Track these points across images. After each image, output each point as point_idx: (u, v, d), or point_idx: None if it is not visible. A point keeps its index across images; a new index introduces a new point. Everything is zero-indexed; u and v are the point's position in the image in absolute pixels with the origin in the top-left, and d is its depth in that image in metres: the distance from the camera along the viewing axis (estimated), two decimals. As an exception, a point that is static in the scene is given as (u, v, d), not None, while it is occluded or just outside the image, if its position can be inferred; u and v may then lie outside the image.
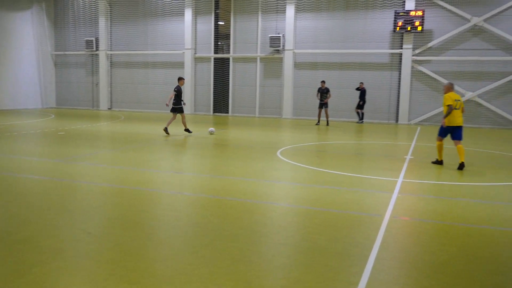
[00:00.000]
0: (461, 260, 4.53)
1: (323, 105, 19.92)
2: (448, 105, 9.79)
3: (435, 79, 21.37)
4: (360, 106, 21.61)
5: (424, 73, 21.59)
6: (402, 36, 21.67)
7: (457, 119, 9.93)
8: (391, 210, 6.23)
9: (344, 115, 22.59)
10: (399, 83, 21.94)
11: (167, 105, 14.85)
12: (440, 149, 10.19)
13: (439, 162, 10.21)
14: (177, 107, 14.94)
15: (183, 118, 15.12)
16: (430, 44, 21.35)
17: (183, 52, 25.59)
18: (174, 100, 14.84)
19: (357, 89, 21.48)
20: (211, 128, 15.64)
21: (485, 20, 20.41)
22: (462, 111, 10.07)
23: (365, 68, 22.60)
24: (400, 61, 21.86)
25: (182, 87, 15.08)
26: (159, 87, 26.69)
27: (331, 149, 13.06)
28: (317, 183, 8.07)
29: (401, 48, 21.73)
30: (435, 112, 21.51)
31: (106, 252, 4.53)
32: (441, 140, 10.14)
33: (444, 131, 10.04)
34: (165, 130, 14.76)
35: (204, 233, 5.15)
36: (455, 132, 9.95)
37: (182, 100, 15.11)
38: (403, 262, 4.49)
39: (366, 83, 22.39)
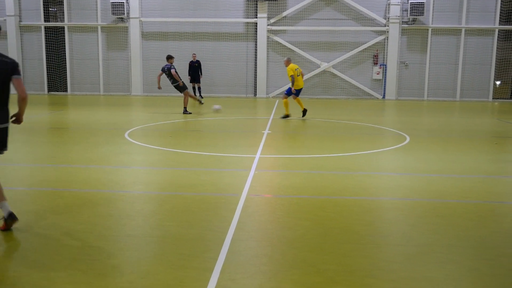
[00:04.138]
0: (315, 233, 4.91)
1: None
2: (291, 75, 13.85)
3: (291, 49, 22.59)
4: (197, 80, 21.66)
5: (281, 43, 22.67)
6: (257, 4, 22.40)
7: (300, 83, 14.14)
8: (248, 188, 6.48)
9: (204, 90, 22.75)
10: (256, 55, 22.74)
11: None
12: (287, 105, 14.20)
13: (287, 116, 14.18)
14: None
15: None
16: (284, 13, 22.43)
17: (5, 20, 23.19)
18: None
19: (192, 62, 21.48)
20: (216, 106, 14.91)
21: (336, -11, 22.07)
22: (302, 76, 14.43)
23: (219, 39, 22.94)
24: (256, 31, 22.62)
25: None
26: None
27: (187, 127, 13.08)
28: (170, 165, 8.03)
29: (256, 17, 22.47)
30: (293, 84, 22.81)
31: None
32: (286, 98, 14.30)
33: (291, 93, 14.12)
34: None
35: (35, 233, 4.80)
36: (297, 93, 14.20)
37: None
38: (259, 241, 4.71)
39: (222, 55, 22.81)
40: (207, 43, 22.96)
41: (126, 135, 10.86)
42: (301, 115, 14.30)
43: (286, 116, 14.21)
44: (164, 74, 15.30)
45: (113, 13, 22.52)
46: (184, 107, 15.30)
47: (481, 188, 6.86)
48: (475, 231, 5.02)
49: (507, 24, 22.34)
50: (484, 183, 7.17)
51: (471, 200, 6.16)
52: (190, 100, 15.79)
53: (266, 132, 11.71)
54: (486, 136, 12.07)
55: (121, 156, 8.81)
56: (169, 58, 15.37)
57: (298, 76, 13.98)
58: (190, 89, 22.32)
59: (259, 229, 5.07)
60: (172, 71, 15.07)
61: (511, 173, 8.06)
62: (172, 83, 15.49)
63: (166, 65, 15.23)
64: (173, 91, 22.61)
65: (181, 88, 15.39)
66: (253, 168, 7.73)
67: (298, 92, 14.13)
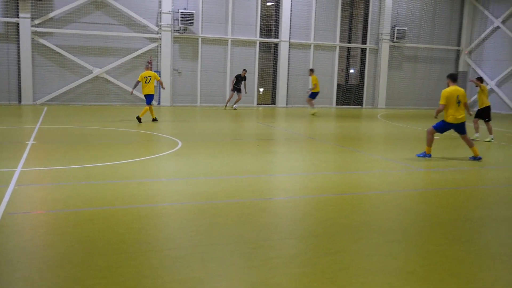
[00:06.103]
0: (80, 248, 4.67)
1: None
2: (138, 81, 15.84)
3: (60, 54, 21.25)
4: None
5: (48, 47, 21.13)
6: (18, 3, 20.46)
7: (146, 90, 15.47)
8: (5, 206, 5.86)
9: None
10: (19, 58, 20.75)
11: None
12: (146, 111, 15.22)
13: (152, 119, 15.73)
14: None
15: None
16: (51, 15, 20.98)
17: None
18: None
19: None
20: None
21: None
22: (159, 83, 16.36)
23: (-27, 39, 20.30)
24: (18, 32, 20.64)
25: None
26: None
27: None
28: None
29: (18, 17, 20.51)
30: (64, 90, 21.53)
31: None
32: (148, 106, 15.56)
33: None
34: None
35: None
36: (147, 99, 15.70)
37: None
38: (15, 265, 4.26)
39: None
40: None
41: None
42: (152, 120, 15.79)
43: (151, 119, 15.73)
44: None
45: None
46: None
47: (244, 187, 7.44)
48: (236, 228, 5.41)
49: (266, 37, 24.81)
50: (247, 182, 7.78)
51: (234, 200, 6.63)
52: None
53: (30, 142, 10.76)
54: (251, 139, 13.18)
55: None
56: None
57: (146, 83, 15.31)
58: None
59: (16, 251, 4.60)
60: None
61: (271, 172, 8.94)
62: None
63: None
64: None
65: None
66: (13, 183, 7.01)
67: (146, 97, 15.57)
